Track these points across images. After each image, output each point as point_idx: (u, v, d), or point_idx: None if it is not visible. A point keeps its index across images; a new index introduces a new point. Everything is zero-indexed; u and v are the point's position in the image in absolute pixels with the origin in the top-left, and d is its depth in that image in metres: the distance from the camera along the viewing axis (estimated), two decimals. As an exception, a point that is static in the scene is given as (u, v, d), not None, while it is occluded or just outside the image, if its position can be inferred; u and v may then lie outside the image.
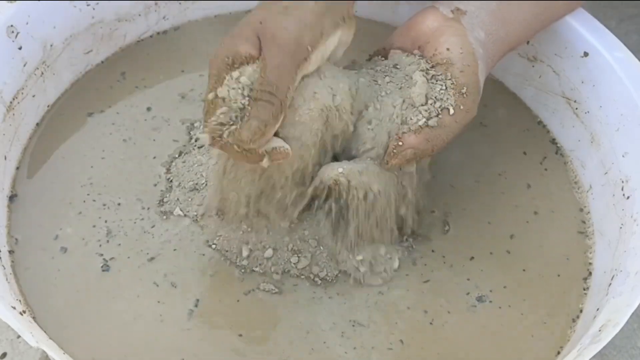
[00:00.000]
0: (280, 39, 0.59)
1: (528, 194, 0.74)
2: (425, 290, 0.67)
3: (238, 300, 0.66)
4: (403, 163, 0.64)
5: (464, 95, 0.63)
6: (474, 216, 0.72)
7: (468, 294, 0.67)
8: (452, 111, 0.63)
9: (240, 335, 0.64)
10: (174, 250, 0.68)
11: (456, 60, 0.64)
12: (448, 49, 0.64)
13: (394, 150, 0.63)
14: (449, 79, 0.64)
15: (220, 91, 0.59)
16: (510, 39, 0.68)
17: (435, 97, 0.63)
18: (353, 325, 0.65)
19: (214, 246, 0.68)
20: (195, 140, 0.74)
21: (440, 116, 0.63)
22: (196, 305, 0.65)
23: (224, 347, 0.63)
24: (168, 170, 0.73)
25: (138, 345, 0.63)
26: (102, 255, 0.67)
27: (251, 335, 0.64)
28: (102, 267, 0.67)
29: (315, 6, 0.60)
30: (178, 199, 0.71)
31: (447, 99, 0.63)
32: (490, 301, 0.67)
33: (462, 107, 0.63)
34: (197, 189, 0.70)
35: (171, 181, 0.72)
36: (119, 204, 0.70)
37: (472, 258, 0.70)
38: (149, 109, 0.77)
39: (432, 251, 0.70)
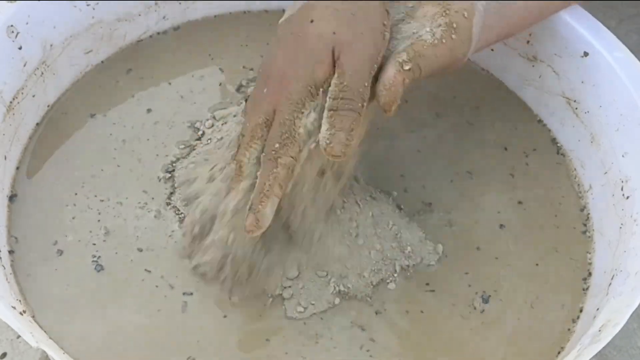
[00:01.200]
0: (357, 46, 0.58)
1: (526, 194, 0.74)
2: (425, 296, 0.67)
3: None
4: (396, 96, 0.60)
5: (453, 31, 0.62)
6: (472, 217, 0.72)
7: (468, 295, 0.67)
8: (434, 41, 0.61)
9: (225, 317, 0.64)
10: (173, 251, 0.68)
11: (454, 3, 0.62)
12: None
13: (383, 91, 0.60)
14: (442, 16, 0.62)
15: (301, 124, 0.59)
16: (503, 24, 0.68)
17: (420, 25, 0.62)
18: (355, 326, 0.65)
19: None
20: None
21: (422, 41, 0.61)
22: (191, 294, 0.65)
23: (222, 331, 0.64)
24: (168, 172, 0.73)
25: (137, 343, 0.63)
26: (100, 255, 0.67)
27: (248, 326, 0.64)
28: (101, 267, 0.67)
29: (378, 7, 0.60)
30: (178, 200, 0.71)
31: (434, 30, 0.61)
32: (490, 302, 0.67)
33: (444, 42, 0.61)
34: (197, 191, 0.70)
35: (173, 181, 0.72)
36: (117, 205, 0.70)
37: (471, 258, 0.70)
38: (149, 110, 0.77)
39: (432, 255, 0.70)
